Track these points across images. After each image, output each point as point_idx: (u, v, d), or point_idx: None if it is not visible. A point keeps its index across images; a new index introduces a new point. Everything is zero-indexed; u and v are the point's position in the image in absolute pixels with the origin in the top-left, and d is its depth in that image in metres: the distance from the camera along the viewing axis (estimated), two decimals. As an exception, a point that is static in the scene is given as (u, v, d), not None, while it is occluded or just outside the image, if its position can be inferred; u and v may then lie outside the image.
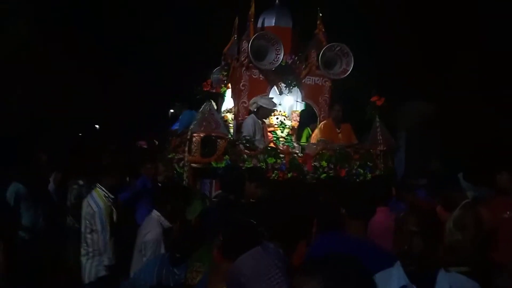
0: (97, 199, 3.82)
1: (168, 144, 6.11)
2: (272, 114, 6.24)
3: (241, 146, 5.02)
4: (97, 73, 12.87)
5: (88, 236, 3.77)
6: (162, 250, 3.26)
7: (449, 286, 1.79)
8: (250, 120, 5.64)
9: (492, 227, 3.67)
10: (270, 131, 6.02)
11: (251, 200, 3.89)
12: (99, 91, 13.48)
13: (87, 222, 3.77)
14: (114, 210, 3.92)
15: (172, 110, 17.15)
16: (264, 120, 5.82)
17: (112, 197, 3.97)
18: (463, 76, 8.88)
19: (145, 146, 13.05)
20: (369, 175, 5.26)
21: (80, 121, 13.96)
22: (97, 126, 17.31)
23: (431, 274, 1.81)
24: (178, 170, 5.13)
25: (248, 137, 5.24)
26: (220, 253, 2.45)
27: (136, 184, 5.50)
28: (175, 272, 2.75)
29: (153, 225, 3.38)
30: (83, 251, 3.84)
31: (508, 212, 3.80)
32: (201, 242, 2.91)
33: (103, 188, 3.91)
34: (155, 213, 3.47)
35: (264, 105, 5.65)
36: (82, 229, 3.84)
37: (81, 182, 5.59)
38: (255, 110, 5.71)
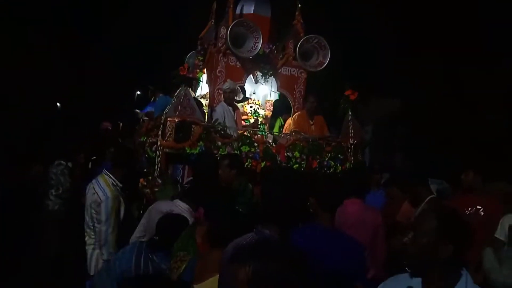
0: (105, 187, 3.48)
1: (139, 127, 5.97)
2: (246, 102, 6.24)
3: (215, 133, 4.98)
4: (62, 50, 12.33)
5: (97, 225, 3.46)
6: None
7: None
8: (220, 107, 5.61)
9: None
10: (243, 119, 6.01)
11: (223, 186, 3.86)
12: (63, 67, 12.92)
13: (93, 210, 3.46)
14: (122, 201, 3.61)
15: (138, 92, 16.79)
16: (236, 106, 5.80)
17: (121, 185, 3.63)
18: (431, 74, 9.18)
19: (110, 128, 12.70)
20: (340, 167, 5.38)
21: (41, 98, 13.34)
22: (58, 104, 16.63)
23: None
24: (150, 154, 5.02)
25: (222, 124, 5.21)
26: (206, 242, 2.44)
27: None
28: (154, 259, 2.71)
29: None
30: (89, 240, 3.56)
31: (470, 209, 4.00)
32: (181, 228, 2.87)
33: (111, 176, 3.58)
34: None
35: (224, 87, 5.62)
36: (88, 218, 3.58)
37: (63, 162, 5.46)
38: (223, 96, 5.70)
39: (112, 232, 3.46)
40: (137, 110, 7.59)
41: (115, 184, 3.55)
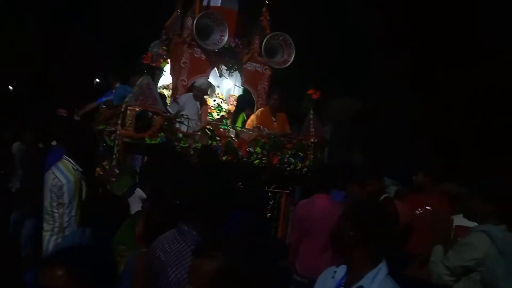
0: (66, 172, 3.36)
1: (98, 114, 5.78)
2: (210, 95, 6.19)
3: (177, 124, 4.91)
4: (19, 26, 11.71)
5: (55, 211, 3.37)
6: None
7: None
8: (183, 97, 5.56)
9: (406, 221, 4.04)
10: (209, 113, 5.97)
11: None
12: (17, 46, 12.27)
13: (54, 195, 3.37)
14: (84, 185, 3.47)
15: (97, 80, 16.25)
16: (204, 100, 5.75)
17: (81, 170, 3.48)
18: (394, 74, 9.44)
19: (65, 115, 12.23)
20: (299, 165, 5.46)
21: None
22: (10, 87, 15.80)
23: None
24: (109, 143, 4.88)
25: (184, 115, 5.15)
26: (142, 236, 2.33)
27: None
28: None
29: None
30: (47, 226, 3.42)
31: (420, 209, 4.19)
32: (124, 217, 2.79)
33: (71, 160, 3.45)
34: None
35: (196, 84, 5.57)
36: (47, 203, 3.43)
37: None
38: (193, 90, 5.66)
39: (75, 215, 3.35)
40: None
41: (75, 168, 3.42)
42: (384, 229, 1.88)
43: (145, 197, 3.06)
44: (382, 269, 1.80)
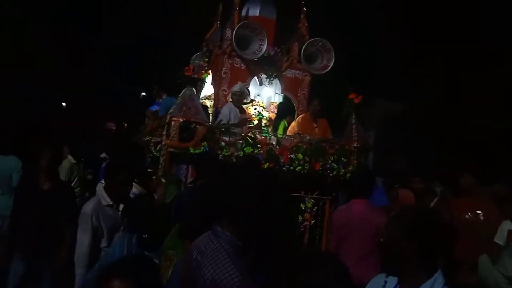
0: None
1: (144, 126, 6.02)
2: (250, 104, 6.27)
3: (219, 133, 5.02)
4: (70, 47, 12.40)
5: None
6: (96, 223, 3.13)
7: None
8: (226, 108, 5.65)
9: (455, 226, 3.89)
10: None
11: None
12: (68, 66, 12.97)
13: None
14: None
15: (144, 93, 16.86)
16: (243, 109, 5.84)
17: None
18: (433, 77, 9.20)
19: (114, 128, 12.76)
20: (343, 170, 5.40)
21: (46, 97, 13.40)
22: (64, 104, 16.71)
23: None
24: (154, 153, 5.07)
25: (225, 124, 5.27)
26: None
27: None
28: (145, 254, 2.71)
29: (92, 199, 3.29)
30: None
31: (470, 213, 4.03)
32: (168, 224, 2.87)
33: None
34: (99, 187, 3.38)
35: (234, 89, 5.67)
36: None
37: None
38: (230, 99, 5.75)
39: None
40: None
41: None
42: (443, 241, 1.77)
43: None
44: (438, 279, 1.70)
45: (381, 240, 1.84)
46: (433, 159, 7.69)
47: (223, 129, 5.11)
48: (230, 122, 5.44)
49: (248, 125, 5.75)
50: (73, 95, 14.65)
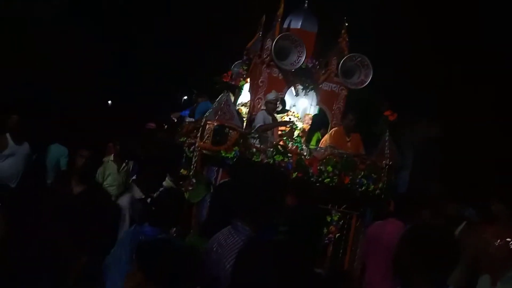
0: None
1: (180, 128, 6.24)
2: (285, 114, 6.36)
3: (252, 139, 5.14)
4: (119, 48, 12.99)
5: None
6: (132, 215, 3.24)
7: None
8: (260, 115, 5.77)
9: (483, 252, 3.80)
10: (281, 130, 6.13)
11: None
12: (115, 68, 13.58)
13: None
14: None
15: (185, 97, 17.34)
16: (276, 117, 5.94)
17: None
18: (477, 99, 8.96)
19: (154, 128, 13.16)
20: (372, 186, 5.38)
21: (94, 95, 14.07)
22: (109, 102, 17.45)
23: None
24: (188, 154, 5.26)
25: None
26: None
27: None
28: None
29: (125, 194, 3.44)
30: None
31: (499, 241, 3.91)
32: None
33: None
34: (133, 182, 3.56)
35: (268, 97, 5.78)
36: None
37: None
38: (264, 107, 5.87)
39: None
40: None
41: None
42: (446, 255, 1.77)
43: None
44: None
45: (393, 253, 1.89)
46: (466, 181, 7.47)
47: (257, 135, 5.22)
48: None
49: (287, 126, 5.86)
50: (119, 94, 15.32)
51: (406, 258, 1.78)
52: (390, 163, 5.58)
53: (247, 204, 1.92)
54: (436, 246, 1.74)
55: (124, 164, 5.65)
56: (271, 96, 5.75)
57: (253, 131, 5.45)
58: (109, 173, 5.59)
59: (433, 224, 1.99)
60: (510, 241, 3.81)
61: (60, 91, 10.74)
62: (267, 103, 5.76)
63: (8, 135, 5.16)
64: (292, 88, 6.22)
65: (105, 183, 5.48)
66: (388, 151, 5.64)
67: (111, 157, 5.90)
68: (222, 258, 1.82)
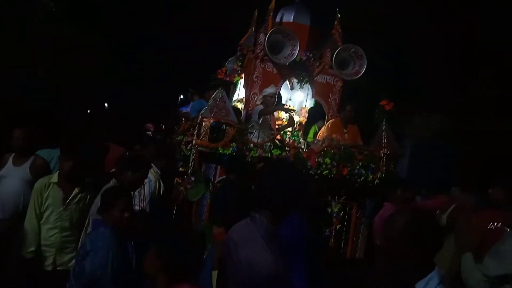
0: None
1: (177, 127, 6.24)
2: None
3: (248, 135, 5.13)
4: (114, 52, 12.97)
5: (136, 205, 3.58)
6: None
7: None
8: (257, 109, 5.77)
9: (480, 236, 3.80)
10: (278, 124, 6.13)
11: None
12: (111, 69, 13.56)
13: (136, 191, 3.54)
14: (162, 184, 4.09)
15: (182, 96, 17.33)
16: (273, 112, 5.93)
17: (160, 173, 4.15)
18: (479, 91, 8.94)
19: (152, 129, 13.18)
20: (371, 176, 5.38)
21: (90, 97, 14.04)
22: (106, 104, 17.45)
23: None
24: (185, 152, 5.26)
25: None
26: (223, 232, 2.60)
27: None
28: None
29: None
30: None
31: (495, 223, 3.91)
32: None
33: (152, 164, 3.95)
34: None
35: (265, 93, 5.77)
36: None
37: None
38: (260, 102, 5.86)
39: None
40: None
41: (155, 170, 4.04)
42: (436, 240, 1.80)
43: None
44: (433, 278, 1.74)
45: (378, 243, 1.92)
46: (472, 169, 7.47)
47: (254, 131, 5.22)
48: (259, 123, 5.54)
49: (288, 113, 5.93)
50: (115, 96, 15.31)
51: (394, 245, 1.80)
52: (388, 152, 5.58)
53: (268, 201, 2.00)
54: (425, 230, 1.77)
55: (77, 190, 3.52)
56: (270, 90, 5.75)
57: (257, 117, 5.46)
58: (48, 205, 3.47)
59: (415, 209, 1.99)
60: (500, 225, 3.82)
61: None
62: (265, 97, 5.75)
63: (12, 156, 3.99)
64: (287, 82, 6.20)
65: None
66: (385, 141, 5.63)
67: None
68: (239, 247, 1.91)
